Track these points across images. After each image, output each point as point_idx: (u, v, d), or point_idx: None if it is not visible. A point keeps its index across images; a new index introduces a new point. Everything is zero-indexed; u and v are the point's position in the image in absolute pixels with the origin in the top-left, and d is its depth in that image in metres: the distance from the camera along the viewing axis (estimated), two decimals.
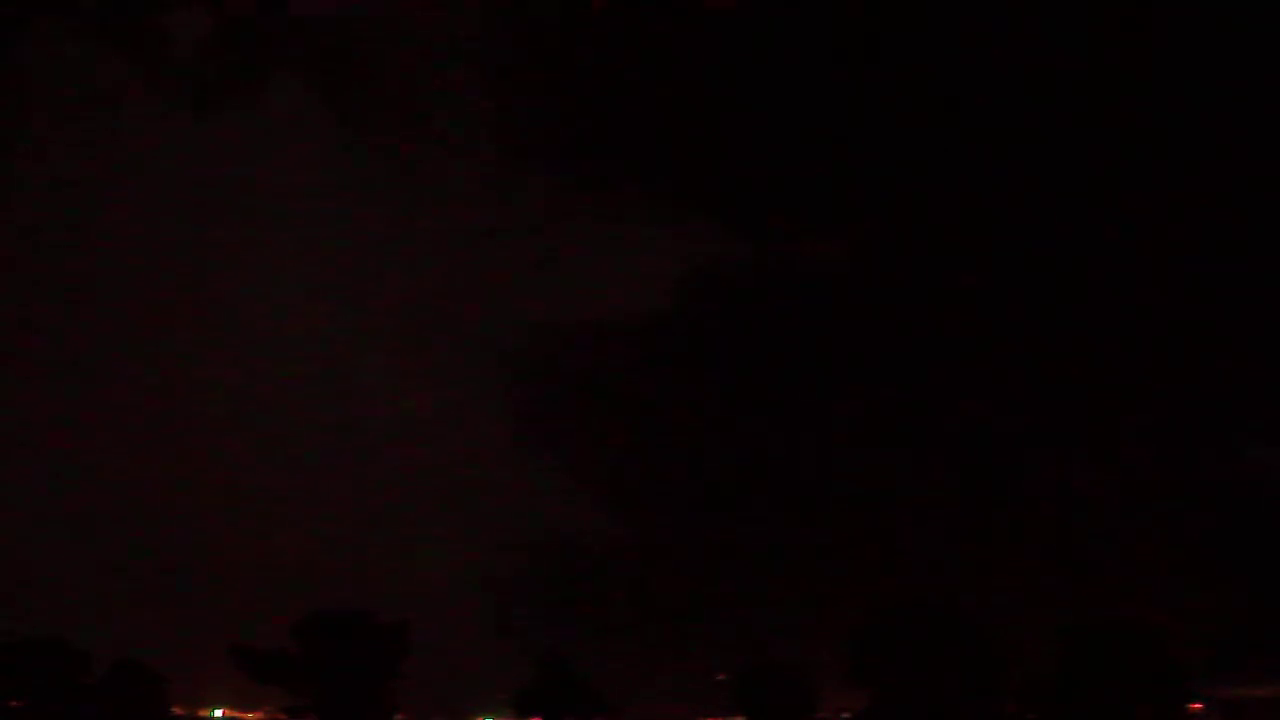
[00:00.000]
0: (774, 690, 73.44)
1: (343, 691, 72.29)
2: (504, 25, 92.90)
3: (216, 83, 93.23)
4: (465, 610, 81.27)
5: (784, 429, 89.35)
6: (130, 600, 79.46)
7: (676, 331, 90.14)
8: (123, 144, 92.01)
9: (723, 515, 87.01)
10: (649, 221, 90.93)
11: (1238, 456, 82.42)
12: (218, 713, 77.18)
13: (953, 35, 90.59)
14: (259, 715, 77.06)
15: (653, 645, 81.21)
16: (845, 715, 74.14)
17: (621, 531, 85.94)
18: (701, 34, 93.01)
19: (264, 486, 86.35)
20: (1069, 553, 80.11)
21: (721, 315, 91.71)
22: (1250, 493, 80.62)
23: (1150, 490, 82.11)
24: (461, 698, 78.37)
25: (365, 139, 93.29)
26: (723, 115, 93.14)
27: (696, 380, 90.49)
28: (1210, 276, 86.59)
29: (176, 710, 74.17)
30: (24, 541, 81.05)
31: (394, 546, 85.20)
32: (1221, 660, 70.10)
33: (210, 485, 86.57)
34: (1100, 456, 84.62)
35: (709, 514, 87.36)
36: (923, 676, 68.23)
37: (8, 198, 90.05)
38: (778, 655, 74.85)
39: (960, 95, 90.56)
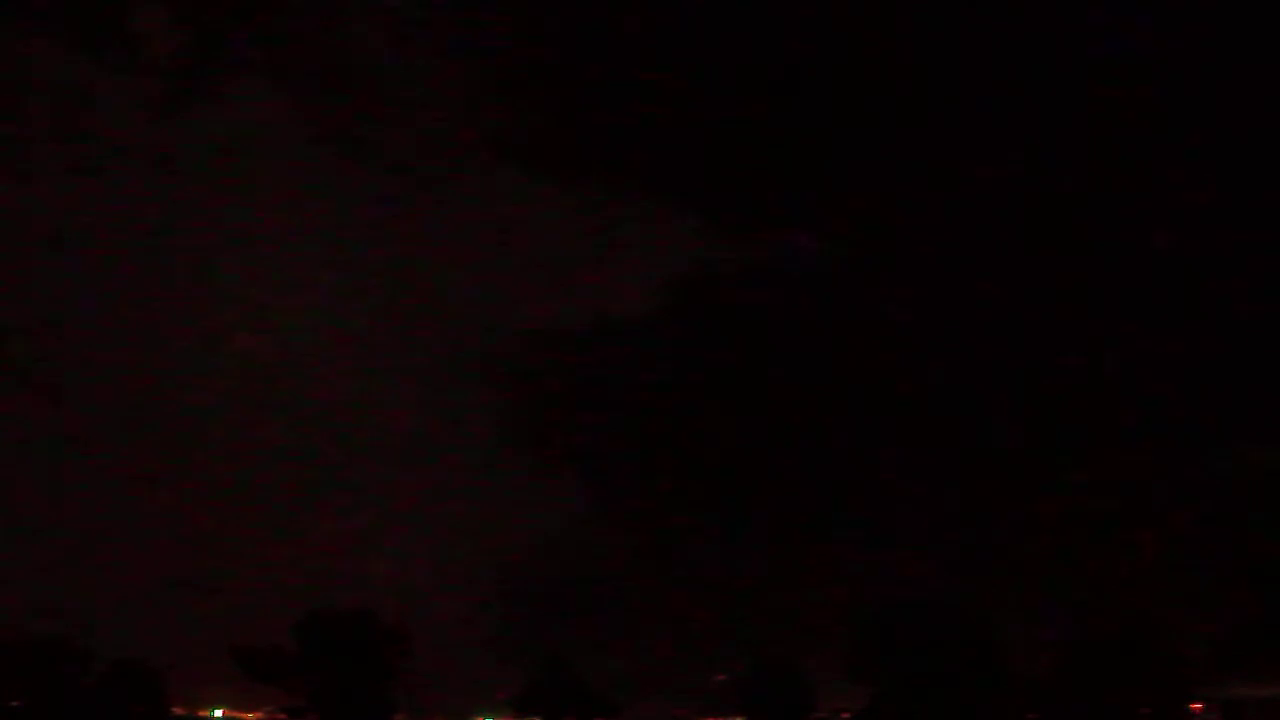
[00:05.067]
0: (774, 690, 73.45)
1: (343, 691, 72.22)
2: (492, 27, 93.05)
3: (188, 85, 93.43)
4: (466, 610, 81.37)
5: (779, 429, 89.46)
6: (130, 600, 79.59)
7: (668, 333, 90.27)
8: (96, 144, 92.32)
9: (721, 515, 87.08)
10: (638, 223, 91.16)
11: (1237, 457, 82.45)
12: (218, 713, 77.14)
13: (941, 35, 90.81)
14: (259, 715, 77.01)
15: (652, 645, 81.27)
16: (845, 715, 74.14)
17: (619, 532, 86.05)
18: (690, 37, 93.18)
19: (264, 488, 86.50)
20: (1070, 553, 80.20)
21: (712, 316, 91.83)
22: (1250, 493, 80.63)
23: (1150, 490, 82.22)
24: (461, 698, 78.43)
25: (344, 141, 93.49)
26: (712, 116, 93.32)
27: (690, 381, 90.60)
28: (1210, 277, 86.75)
29: (176, 710, 74.10)
30: (25, 542, 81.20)
31: (394, 547, 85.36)
32: (1221, 660, 70.15)
33: (210, 487, 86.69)
34: (1101, 456, 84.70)
35: (707, 514, 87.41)
36: (923, 676, 68.25)
37: None
38: (777, 655, 74.85)
39: (951, 94, 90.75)
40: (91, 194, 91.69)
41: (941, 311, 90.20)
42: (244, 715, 77.55)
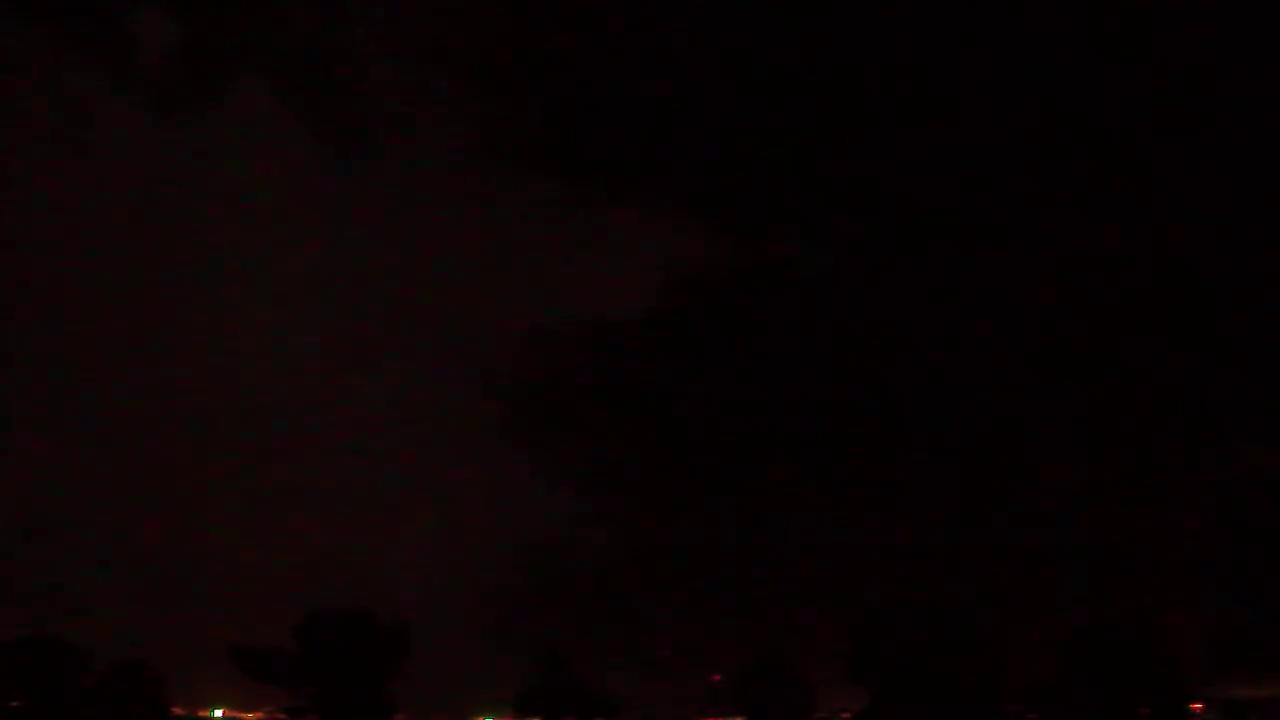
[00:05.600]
0: (773, 690, 73.47)
1: (343, 691, 72.21)
2: (488, 28, 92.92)
3: (183, 87, 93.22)
4: (465, 610, 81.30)
5: (778, 429, 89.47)
6: (130, 600, 79.51)
7: (667, 333, 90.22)
8: (91, 147, 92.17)
9: (720, 515, 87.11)
10: (635, 223, 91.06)
11: (1237, 458, 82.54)
12: (218, 713, 77.08)
13: (938, 40, 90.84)
14: (259, 715, 76.97)
15: (652, 645, 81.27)
16: (845, 715, 74.15)
17: (619, 532, 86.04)
18: (687, 38, 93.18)
19: (263, 488, 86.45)
20: (1070, 552, 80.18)
21: (710, 315, 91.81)
22: (1249, 494, 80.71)
23: (1150, 490, 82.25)
24: (461, 698, 78.40)
25: (342, 142, 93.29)
26: (709, 117, 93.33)
27: (689, 381, 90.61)
28: (1209, 279, 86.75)
29: (176, 710, 74.04)
30: (24, 542, 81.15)
31: (393, 547, 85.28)
32: (1221, 660, 70.22)
33: (209, 487, 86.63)
34: (1100, 457, 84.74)
35: (707, 514, 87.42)
36: (923, 676, 68.26)
37: None
38: (777, 655, 74.85)
39: (947, 97, 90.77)
40: (87, 194, 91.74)
41: (942, 312, 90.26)
42: (244, 715, 77.51)
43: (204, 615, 79.03)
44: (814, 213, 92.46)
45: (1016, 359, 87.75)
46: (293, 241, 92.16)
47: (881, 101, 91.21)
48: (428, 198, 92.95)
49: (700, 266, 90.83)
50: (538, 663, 76.12)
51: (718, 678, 77.30)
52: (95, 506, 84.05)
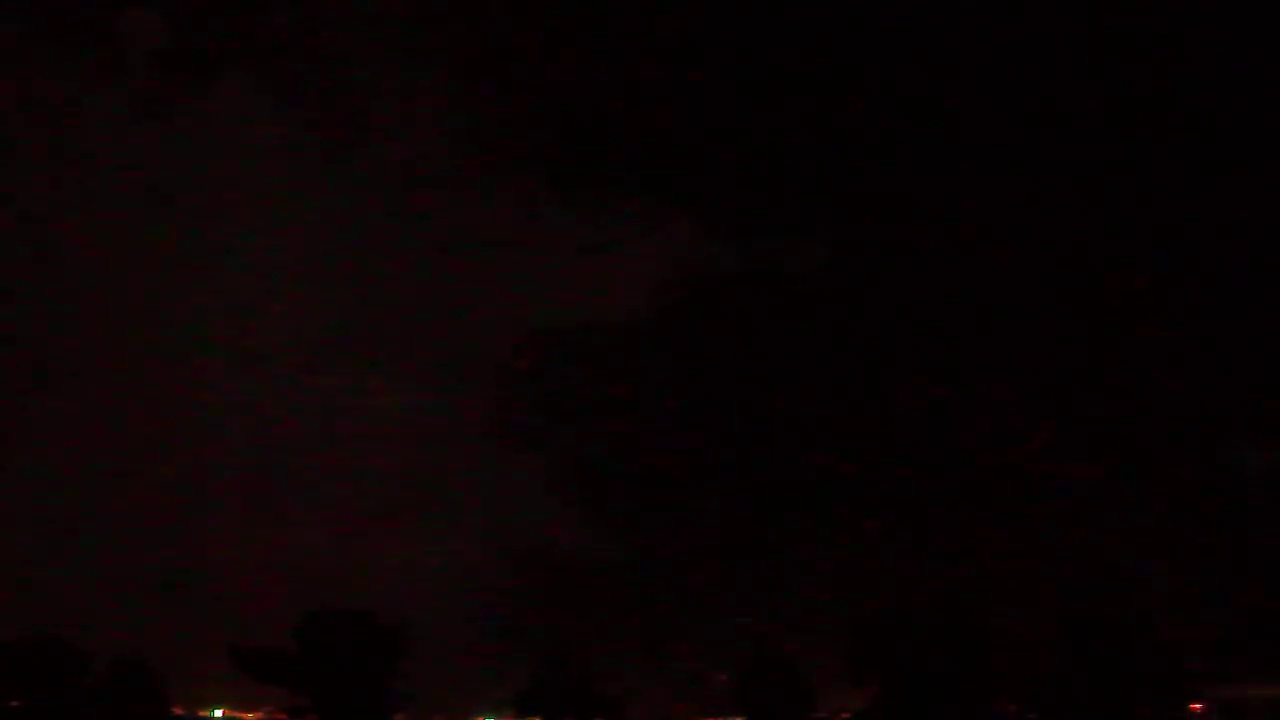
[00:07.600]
0: (774, 690, 73.49)
1: (343, 691, 72.23)
2: (478, 26, 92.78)
3: (172, 86, 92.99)
4: (465, 610, 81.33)
5: (776, 430, 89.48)
6: (130, 600, 79.47)
7: (660, 334, 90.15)
8: (80, 147, 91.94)
9: (720, 515, 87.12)
10: (629, 225, 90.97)
11: (1236, 457, 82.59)
12: (218, 713, 77.06)
13: (932, 37, 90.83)
14: (259, 715, 76.98)
15: (652, 645, 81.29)
16: (845, 715, 74.20)
17: (618, 532, 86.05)
18: (680, 35, 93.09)
19: (262, 488, 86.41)
20: (1069, 551, 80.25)
21: (705, 318, 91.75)
22: (1249, 493, 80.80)
23: (1149, 489, 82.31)
24: (461, 698, 78.41)
25: (333, 142, 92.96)
26: (702, 117, 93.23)
27: (687, 383, 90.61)
28: (1207, 278, 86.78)
29: (176, 710, 74.06)
30: (24, 542, 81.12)
31: (393, 548, 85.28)
32: (1221, 660, 70.26)
33: (208, 486, 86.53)
34: (1099, 456, 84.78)
35: (706, 514, 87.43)
36: (923, 676, 68.32)
37: None
38: (777, 655, 74.86)
39: (942, 95, 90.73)
40: (75, 194, 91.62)
41: (939, 312, 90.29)
42: (244, 715, 77.51)
43: (204, 615, 79.09)
44: (809, 213, 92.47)
45: (1015, 359, 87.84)
46: (285, 243, 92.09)
47: (877, 100, 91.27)
48: (421, 199, 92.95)
49: (696, 267, 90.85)
50: (538, 663, 76.15)
51: (724, 676, 77.37)
52: (94, 506, 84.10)
